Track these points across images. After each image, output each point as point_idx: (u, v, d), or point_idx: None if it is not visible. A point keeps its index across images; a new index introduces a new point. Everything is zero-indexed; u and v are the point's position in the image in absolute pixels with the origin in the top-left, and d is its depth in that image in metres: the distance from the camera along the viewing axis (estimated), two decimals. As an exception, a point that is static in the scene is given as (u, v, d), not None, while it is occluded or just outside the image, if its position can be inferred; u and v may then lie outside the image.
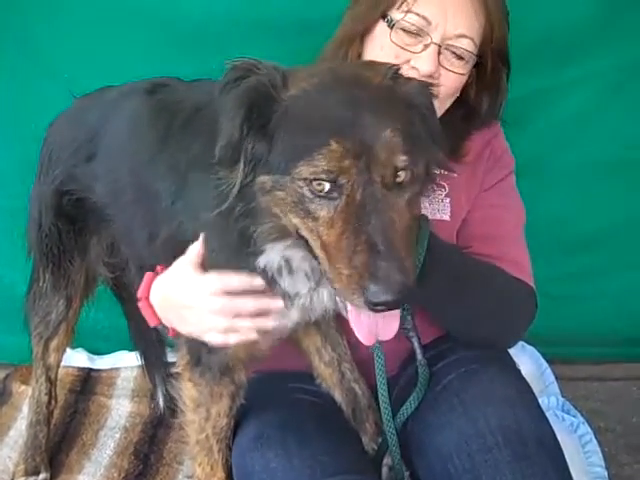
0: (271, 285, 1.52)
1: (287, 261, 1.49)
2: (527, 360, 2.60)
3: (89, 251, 2.08)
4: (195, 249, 1.53)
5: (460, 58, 1.77)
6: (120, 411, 2.60)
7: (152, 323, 1.63)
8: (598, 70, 2.54)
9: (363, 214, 1.24)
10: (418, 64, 1.73)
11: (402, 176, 1.29)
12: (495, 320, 1.79)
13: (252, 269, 1.49)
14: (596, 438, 2.34)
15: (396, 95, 1.36)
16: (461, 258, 1.78)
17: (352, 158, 1.24)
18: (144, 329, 2.43)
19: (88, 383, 2.75)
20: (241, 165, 1.33)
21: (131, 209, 1.78)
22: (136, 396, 2.67)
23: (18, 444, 2.43)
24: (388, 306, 1.22)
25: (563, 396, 2.50)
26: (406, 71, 1.57)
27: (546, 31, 2.44)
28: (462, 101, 1.88)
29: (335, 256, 1.26)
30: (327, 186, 1.26)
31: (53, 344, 2.19)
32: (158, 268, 1.63)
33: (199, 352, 1.68)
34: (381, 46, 1.77)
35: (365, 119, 1.27)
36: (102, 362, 2.86)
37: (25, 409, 2.48)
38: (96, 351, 2.90)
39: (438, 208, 1.90)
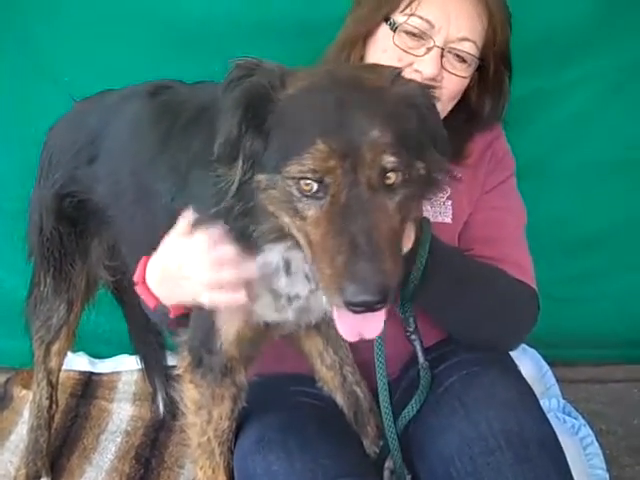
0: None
1: (287, 262, 1.49)
2: (528, 362, 2.59)
3: (90, 254, 2.08)
4: (183, 221, 1.52)
5: (463, 61, 1.77)
6: (121, 415, 2.60)
7: (151, 305, 1.61)
8: (598, 70, 2.54)
9: (348, 214, 1.23)
10: (421, 67, 1.74)
11: (392, 178, 1.28)
12: (497, 322, 1.80)
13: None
14: (597, 440, 2.33)
15: (392, 96, 1.35)
16: (463, 260, 1.79)
17: (338, 158, 1.24)
18: (144, 333, 2.44)
19: (89, 387, 2.75)
20: (240, 162, 1.34)
21: (132, 210, 1.78)
22: (137, 400, 2.67)
23: (19, 448, 2.42)
24: (367, 306, 1.20)
25: (564, 398, 2.50)
26: (409, 74, 1.57)
27: (546, 31, 2.44)
28: (464, 104, 1.88)
29: (320, 255, 1.26)
30: (315, 186, 1.26)
31: (54, 348, 2.19)
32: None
33: (200, 354, 1.67)
34: (384, 49, 1.78)
35: (354, 120, 1.26)
36: (103, 366, 2.86)
37: (26, 413, 2.47)
38: (97, 355, 2.90)
39: (440, 211, 1.90)
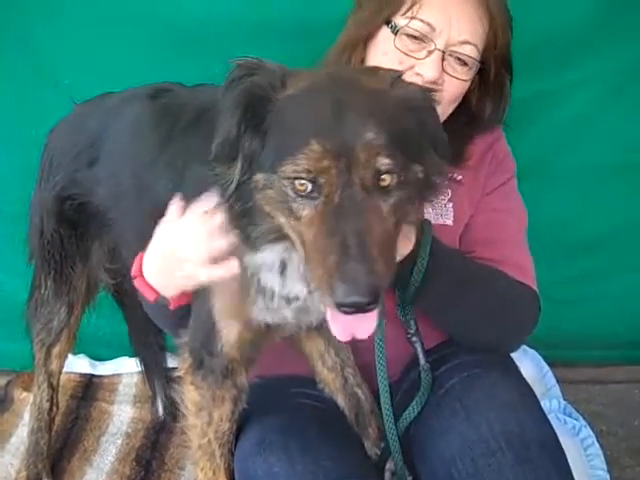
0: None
1: (285, 262, 1.49)
2: (528, 363, 2.59)
3: (91, 257, 2.08)
4: (173, 208, 1.52)
5: (464, 64, 1.77)
6: (122, 417, 2.60)
7: (151, 298, 1.60)
8: (599, 73, 2.54)
9: (340, 215, 1.23)
10: (422, 70, 1.74)
11: (387, 180, 1.27)
12: (498, 324, 1.80)
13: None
14: (598, 441, 2.33)
15: (391, 99, 1.35)
16: (464, 262, 1.79)
17: (332, 158, 1.24)
18: (145, 335, 2.44)
19: (90, 389, 2.75)
20: (239, 161, 1.34)
21: (132, 213, 1.79)
22: (138, 402, 2.67)
23: (20, 451, 2.43)
24: (358, 307, 1.20)
25: (565, 399, 2.50)
26: (410, 77, 1.58)
27: (547, 33, 2.44)
28: (465, 107, 1.88)
29: (312, 255, 1.26)
30: (309, 186, 1.26)
31: (55, 350, 2.19)
32: None
33: (201, 355, 1.68)
34: (385, 52, 1.78)
35: (350, 121, 1.26)
36: (104, 368, 2.86)
37: (27, 416, 2.48)
38: (98, 357, 2.90)
39: (441, 213, 1.90)
